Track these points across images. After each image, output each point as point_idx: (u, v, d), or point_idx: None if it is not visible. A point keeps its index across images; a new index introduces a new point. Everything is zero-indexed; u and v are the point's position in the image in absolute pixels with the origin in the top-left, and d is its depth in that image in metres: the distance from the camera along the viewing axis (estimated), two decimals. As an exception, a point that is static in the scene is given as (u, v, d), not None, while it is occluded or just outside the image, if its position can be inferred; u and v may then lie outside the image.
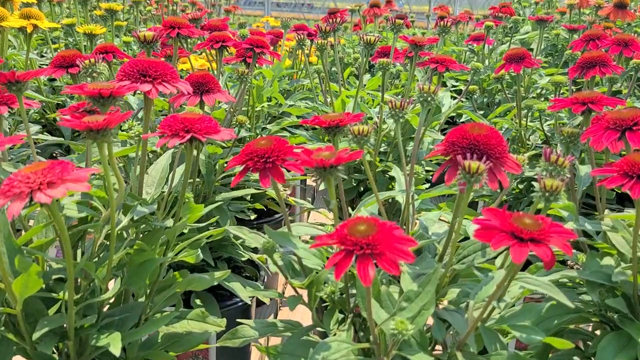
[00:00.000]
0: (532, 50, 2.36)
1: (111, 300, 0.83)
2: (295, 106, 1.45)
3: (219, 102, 1.32)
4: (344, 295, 0.81)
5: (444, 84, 2.04)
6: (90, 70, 0.88)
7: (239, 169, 1.25)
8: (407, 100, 0.82)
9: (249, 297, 1.14)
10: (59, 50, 1.79)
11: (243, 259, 1.27)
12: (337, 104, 1.29)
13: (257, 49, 1.18)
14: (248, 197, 1.37)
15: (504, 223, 0.59)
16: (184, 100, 0.99)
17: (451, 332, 0.79)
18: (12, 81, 0.73)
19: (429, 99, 0.83)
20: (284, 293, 1.73)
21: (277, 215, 1.60)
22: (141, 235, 0.83)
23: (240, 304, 1.20)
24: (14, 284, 0.63)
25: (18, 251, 0.66)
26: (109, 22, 1.77)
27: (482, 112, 1.66)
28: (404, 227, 0.88)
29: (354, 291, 0.82)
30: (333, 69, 2.02)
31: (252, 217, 1.41)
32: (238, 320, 0.93)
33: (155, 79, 0.78)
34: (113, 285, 0.72)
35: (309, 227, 0.89)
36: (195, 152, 1.03)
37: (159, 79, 0.78)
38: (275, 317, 1.59)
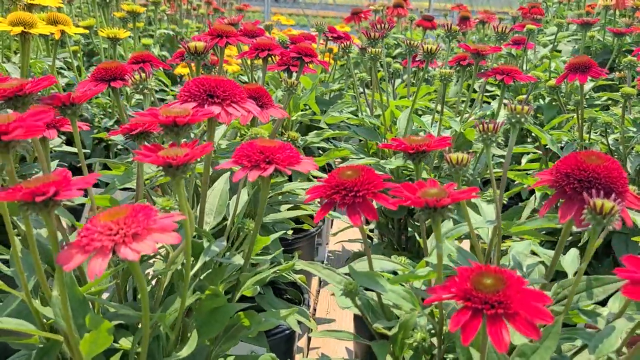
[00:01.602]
0: (559, 52, 2.28)
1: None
2: (336, 116, 1.37)
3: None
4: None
5: (474, 90, 1.96)
6: (141, 86, 0.80)
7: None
8: (500, 123, 0.74)
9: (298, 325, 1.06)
10: (77, 54, 1.70)
11: (285, 281, 1.19)
12: (387, 116, 1.20)
13: (306, 57, 1.09)
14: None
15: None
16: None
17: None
18: (67, 104, 0.65)
19: (522, 119, 0.75)
20: (315, 312, 1.66)
21: (311, 230, 1.52)
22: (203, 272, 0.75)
23: (287, 332, 1.12)
24: (82, 342, 0.55)
25: (82, 303, 0.58)
26: (128, 24, 1.68)
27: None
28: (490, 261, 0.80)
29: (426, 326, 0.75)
30: (355, 71, 1.94)
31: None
32: None
33: (224, 100, 0.69)
34: (189, 340, 0.63)
35: (383, 261, 0.81)
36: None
37: (228, 100, 0.69)
38: (309, 337, 1.51)
